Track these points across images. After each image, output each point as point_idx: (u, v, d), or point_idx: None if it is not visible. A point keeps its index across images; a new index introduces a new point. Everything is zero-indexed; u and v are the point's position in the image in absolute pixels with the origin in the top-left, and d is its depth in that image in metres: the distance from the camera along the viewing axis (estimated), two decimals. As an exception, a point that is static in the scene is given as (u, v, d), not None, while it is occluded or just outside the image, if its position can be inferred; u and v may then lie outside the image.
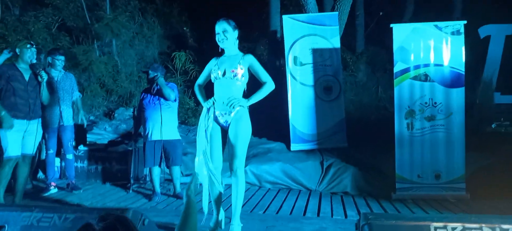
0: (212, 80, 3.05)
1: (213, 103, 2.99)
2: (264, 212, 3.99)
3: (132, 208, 1.64)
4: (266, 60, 8.99)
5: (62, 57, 4.70)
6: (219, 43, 3.04)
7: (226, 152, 3.15)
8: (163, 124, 4.39)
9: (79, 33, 8.75)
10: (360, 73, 8.20)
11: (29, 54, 3.91)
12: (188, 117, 7.78)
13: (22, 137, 3.86)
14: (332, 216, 3.87)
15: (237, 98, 2.93)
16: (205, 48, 10.83)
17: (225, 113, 2.97)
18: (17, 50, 3.93)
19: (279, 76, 7.76)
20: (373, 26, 9.18)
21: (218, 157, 3.06)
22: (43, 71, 3.96)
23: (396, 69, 4.79)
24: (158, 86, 4.42)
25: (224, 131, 3.07)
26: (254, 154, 5.86)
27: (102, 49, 8.94)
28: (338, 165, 5.30)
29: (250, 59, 3.00)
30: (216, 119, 3.00)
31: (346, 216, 3.87)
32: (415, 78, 4.78)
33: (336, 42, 6.01)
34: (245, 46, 10.33)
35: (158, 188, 4.51)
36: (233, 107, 2.91)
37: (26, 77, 3.94)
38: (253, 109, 8.22)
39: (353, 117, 7.10)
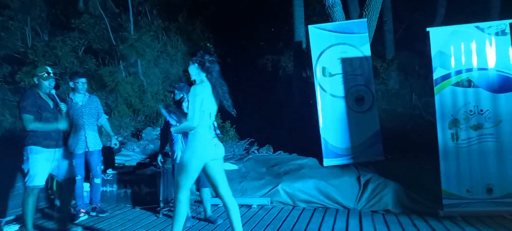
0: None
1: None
2: (302, 236, 3.72)
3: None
4: (292, 72, 8.79)
5: (84, 80, 4.63)
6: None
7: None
8: None
9: (105, 55, 8.85)
10: (391, 81, 7.84)
11: (47, 84, 3.78)
12: (215, 134, 7.64)
13: (53, 166, 3.77)
14: (377, 239, 3.55)
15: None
16: (230, 62, 10.74)
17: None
18: (35, 79, 3.82)
19: (306, 88, 7.55)
20: (403, 31, 8.81)
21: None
22: (63, 103, 3.86)
23: (436, 75, 4.45)
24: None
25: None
26: (286, 171, 5.61)
27: (127, 70, 8.99)
28: (377, 180, 4.97)
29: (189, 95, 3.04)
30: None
31: (393, 239, 3.55)
32: (457, 84, 4.43)
33: (366, 50, 5.73)
34: (269, 58, 10.19)
35: (189, 212, 4.33)
36: None
37: (51, 105, 3.84)
38: (282, 124, 7.95)
39: (386, 127, 6.74)
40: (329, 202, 4.93)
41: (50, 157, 3.70)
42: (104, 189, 5.13)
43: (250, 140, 7.62)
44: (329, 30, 5.70)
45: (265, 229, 4.00)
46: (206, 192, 4.42)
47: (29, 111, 3.66)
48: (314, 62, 5.67)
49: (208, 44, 10.61)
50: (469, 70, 4.41)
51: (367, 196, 4.86)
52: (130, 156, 6.76)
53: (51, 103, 3.83)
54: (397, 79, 7.96)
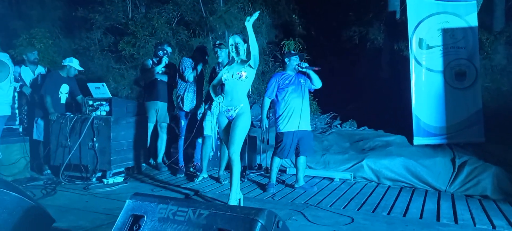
0: (223, 82, 3.60)
1: (223, 98, 3.57)
2: (389, 213, 3.59)
3: (267, 209, 1.50)
4: (381, 44, 8.31)
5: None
6: (231, 53, 3.55)
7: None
8: (303, 114, 4.31)
9: (195, 27, 9.24)
10: (498, 56, 6.95)
11: (219, 53, 4.74)
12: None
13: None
14: (474, 224, 3.28)
15: (240, 98, 3.50)
16: (314, 35, 10.53)
17: (231, 109, 3.51)
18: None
19: (396, 62, 7.09)
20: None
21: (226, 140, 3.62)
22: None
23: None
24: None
25: (230, 122, 3.57)
26: (371, 147, 5.43)
27: (216, 41, 9.32)
28: (475, 163, 4.56)
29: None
30: (224, 113, 3.56)
31: (493, 226, 3.25)
32: None
33: (472, 20, 5.17)
34: (356, 30, 9.74)
35: (274, 179, 4.43)
36: (237, 105, 3.49)
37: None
38: (367, 99, 7.64)
39: (489, 108, 6.07)
40: (417, 182, 4.69)
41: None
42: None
43: (332, 114, 7.48)
44: (429, -2, 5.24)
45: (348, 203, 3.94)
46: (304, 160, 4.50)
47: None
48: (410, 33, 5.28)
49: (293, 16, 10.49)
50: None
51: (462, 179, 4.51)
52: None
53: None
54: (504, 54, 7.03)
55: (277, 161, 4.42)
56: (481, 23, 5.95)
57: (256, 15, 3.34)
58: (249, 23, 3.30)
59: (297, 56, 4.44)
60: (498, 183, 4.31)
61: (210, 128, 4.61)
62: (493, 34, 6.94)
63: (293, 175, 5.09)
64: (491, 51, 6.86)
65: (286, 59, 4.43)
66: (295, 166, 4.53)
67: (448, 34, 5.18)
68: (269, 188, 4.34)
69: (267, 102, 4.45)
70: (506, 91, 6.62)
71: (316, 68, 4.30)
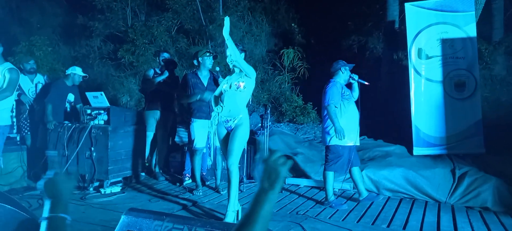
0: (223, 92, 3.58)
1: (222, 109, 3.51)
2: (389, 225, 3.56)
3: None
4: (380, 54, 8.32)
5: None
6: (229, 64, 3.54)
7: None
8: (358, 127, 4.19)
9: (195, 35, 9.25)
10: (497, 66, 6.96)
11: (209, 61, 4.61)
12: (296, 115, 7.61)
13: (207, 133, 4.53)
14: (475, 238, 3.25)
15: (239, 109, 3.46)
16: (313, 44, 10.54)
17: (230, 120, 3.48)
18: (200, 59, 4.61)
19: (397, 71, 7.09)
20: (515, 10, 7.74)
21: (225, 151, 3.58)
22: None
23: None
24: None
25: (228, 132, 3.53)
26: (371, 157, 5.39)
27: (215, 49, 9.33)
28: (475, 174, 4.52)
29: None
30: (222, 123, 3.52)
31: (494, 240, 3.22)
32: None
33: (471, 31, 5.17)
34: (355, 39, 9.76)
35: (332, 195, 4.24)
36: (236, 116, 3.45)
37: (205, 83, 4.61)
38: (366, 109, 7.63)
39: (488, 118, 6.06)
40: (417, 193, 4.64)
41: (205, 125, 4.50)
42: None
43: (332, 123, 7.45)
44: (428, 8, 5.24)
45: (348, 215, 3.91)
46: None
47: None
48: (409, 43, 5.29)
49: (293, 25, 10.51)
50: None
51: (462, 190, 4.47)
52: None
53: (205, 82, 4.59)
54: (504, 64, 7.04)
55: (332, 176, 4.19)
56: (480, 34, 5.96)
57: (227, 22, 3.29)
58: (225, 32, 3.28)
59: (348, 67, 4.24)
60: (499, 195, 4.27)
61: (199, 140, 4.62)
62: (492, 44, 6.96)
63: (292, 184, 5.08)
64: (491, 62, 6.86)
65: (342, 68, 4.19)
66: (352, 179, 4.37)
67: (447, 45, 5.18)
68: (334, 206, 4.11)
69: (335, 110, 4.08)
70: (505, 102, 6.61)
71: (367, 83, 4.20)
